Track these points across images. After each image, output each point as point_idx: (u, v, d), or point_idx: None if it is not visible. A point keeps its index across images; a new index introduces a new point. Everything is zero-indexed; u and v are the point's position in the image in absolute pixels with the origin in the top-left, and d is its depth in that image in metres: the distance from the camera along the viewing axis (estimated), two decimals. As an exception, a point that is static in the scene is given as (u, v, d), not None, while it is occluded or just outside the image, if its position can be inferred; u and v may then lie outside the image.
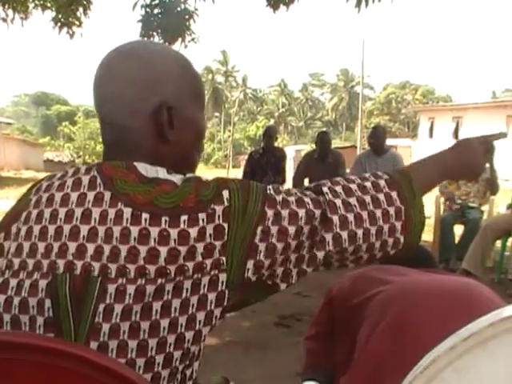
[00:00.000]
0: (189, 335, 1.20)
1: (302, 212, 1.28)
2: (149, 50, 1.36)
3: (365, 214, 1.33)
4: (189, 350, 1.21)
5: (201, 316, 1.20)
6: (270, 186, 1.32)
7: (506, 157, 22.34)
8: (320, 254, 1.30)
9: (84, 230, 1.20)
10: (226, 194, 1.24)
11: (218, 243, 1.20)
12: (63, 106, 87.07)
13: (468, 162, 1.57)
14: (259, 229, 1.23)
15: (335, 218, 1.30)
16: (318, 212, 1.29)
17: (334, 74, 79.50)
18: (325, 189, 1.34)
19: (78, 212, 1.22)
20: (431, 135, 32.40)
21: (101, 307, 1.16)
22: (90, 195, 1.23)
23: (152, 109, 1.32)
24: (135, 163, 1.27)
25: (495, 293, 1.78)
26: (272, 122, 68.87)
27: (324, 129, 60.92)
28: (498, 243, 7.05)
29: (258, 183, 1.32)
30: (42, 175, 28.62)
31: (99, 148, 48.51)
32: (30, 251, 1.23)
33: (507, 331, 1.11)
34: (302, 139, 64.38)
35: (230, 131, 64.65)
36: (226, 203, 1.23)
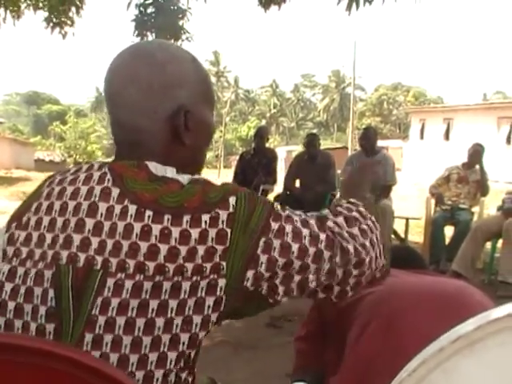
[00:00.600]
0: (184, 337, 1.20)
1: (305, 231, 1.29)
2: (164, 52, 1.37)
3: (367, 242, 1.36)
4: (183, 353, 1.21)
5: (197, 319, 1.21)
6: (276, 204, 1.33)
7: (496, 158, 22.46)
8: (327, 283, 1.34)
9: (90, 223, 1.23)
10: (232, 200, 1.24)
11: (219, 248, 1.20)
12: (54, 105, 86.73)
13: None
14: (262, 240, 1.24)
15: (350, 247, 1.32)
16: (323, 236, 1.31)
17: (326, 75, 79.39)
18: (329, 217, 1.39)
19: (85, 205, 1.25)
20: (422, 136, 32.42)
21: (99, 300, 1.18)
22: (98, 189, 1.26)
23: (169, 113, 1.34)
24: (147, 162, 1.29)
25: (485, 295, 1.78)
26: (263, 122, 68.87)
27: (315, 130, 61.10)
28: (488, 245, 7.08)
29: (264, 198, 1.33)
30: (32, 175, 28.57)
31: (90, 148, 48.45)
32: (38, 241, 1.26)
33: (495, 333, 1.11)
34: (294, 140, 64.41)
35: (221, 132, 64.60)
36: (231, 209, 1.23)
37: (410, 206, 12.82)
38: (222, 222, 1.21)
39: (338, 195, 8.15)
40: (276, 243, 1.25)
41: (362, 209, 1.43)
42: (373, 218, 1.43)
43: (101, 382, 1.04)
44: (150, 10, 8.89)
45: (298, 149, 12.38)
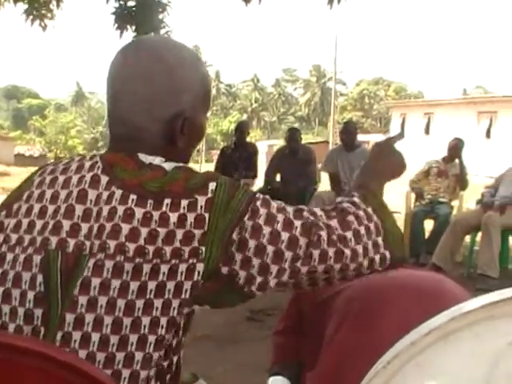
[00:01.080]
0: (163, 321, 1.22)
1: (285, 235, 1.29)
2: (176, 56, 1.39)
3: (349, 234, 1.36)
4: (163, 338, 1.22)
5: (176, 303, 1.22)
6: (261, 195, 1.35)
7: (476, 153, 22.59)
8: (304, 269, 1.32)
9: (79, 209, 1.27)
10: (212, 185, 1.27)
11: (197, 232, 1.23)
12: (34, 99, 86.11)
13: (385, 162, 1.63)
14: (239, 225, 1.26)
15: (323, 234, 1.32)
16: (303, 240, 1.30)
17: (307, 70, 79.21)
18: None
19: (75, 192, 1.29)
20: (403, 131, 32.56)
21: (79, 280, 1.21)
22: (88, 177, 1.30)
23: (170, 116, 1.37)
24: (138, 154, 1.33)
25: (463, 288, 1.79)
26: (245, 116, 68.82)
27: (296, 124, 61.10)
28: (468, 238, 7.13)
29: (247, 186, 1.36)
30: (12, 170, 28.37)
31: (71, 142, 48.20)
32: (28, 227, 1.29)
33: (468, 326, 1.12)
34: (275, 134, 64.33)
35: (203, 126, 64.26)
36: (209, 194, 1.26)
37: (390, 200, 12.84)
38: (201, 207, 1.24)
39: (318, 189, 8.21)
40: (252, 227, 1.26)
41: (366, 210, 1.43)
42: (375, 220, 1.42)
43: (73, 376, 1.04)
44: (131, 3, 8.85)
45: (280, 143, 12.40)
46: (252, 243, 1.26)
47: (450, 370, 1.17)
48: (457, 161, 7.71)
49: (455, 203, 7.84)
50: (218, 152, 9.49)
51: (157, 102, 1.36)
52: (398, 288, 1.76)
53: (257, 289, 1.30)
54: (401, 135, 1.81)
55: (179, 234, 1.22)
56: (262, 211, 1.29)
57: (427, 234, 7.49)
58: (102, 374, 1.13)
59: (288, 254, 1.29)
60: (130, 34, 8.72)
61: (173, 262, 1.21)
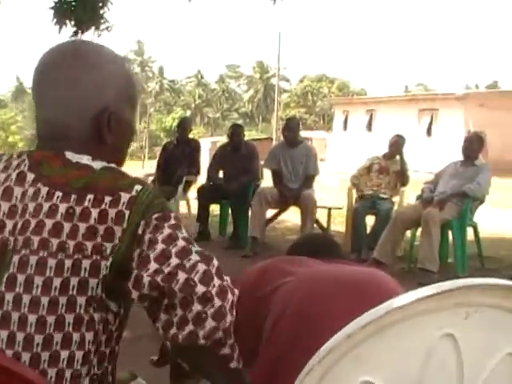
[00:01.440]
0: (87, 317, 1.23)
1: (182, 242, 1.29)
2: (96, 53, 1.41)
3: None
4: (84, 336, 1.23)
5: (97, 298, 1.24)
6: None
7: (417, 149, 22.97)
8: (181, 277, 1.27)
9: (5, 206, 1.28)
10: (138, 187, 1.29)
11: (117, 228, 1.24)
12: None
13: None
14: (146, 225, 1.27)
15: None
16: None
17: (251, 66, 79.19)
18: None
19: (1, 189, 1.30)
20: (345, 128, 32.87)
21: (5, 277, 1.21)
22: (14, 175, 1.31)
23: (94, 112, 1.38)
24: (65, 152, 1.33)
25: (405, 281, 1.81)
26: (188, 113, 68.49)
27: (240, 121, 61.11)
28: (409, 233, 7.23)
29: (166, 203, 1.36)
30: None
31: (11, 139, 47.28)
32: None
33: (403, 320, 1.13)
34: (219, 131, 64.23)
35: (145, 122, 63.98)
36: (133, 193, 1.27)
37: (333, 196, 12.98)
38: (123, 203, 1.26)
39: (261, 185, 8.22)
40: (151, 236, 1.26)
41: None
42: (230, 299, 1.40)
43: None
44: (70, -3, 8.68)
45: (223, 140, 12.40)
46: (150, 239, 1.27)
47: (385, 365, 1.18)
48: (398, 157, 7.81)
49: (396, 199, 7.93)
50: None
51: (80, 100, 1.37)
52: (335, 283, 1.76)
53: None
54: None
55: (101, 230, 1.22)
56: (166, 230, 1.28)
57: (369, 230, 7.56)
58: (39, 378, 1.13)
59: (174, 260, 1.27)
60: (69, 30, 8.57)
61: (94, 257, 1.21)
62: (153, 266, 1.24)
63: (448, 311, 1.16)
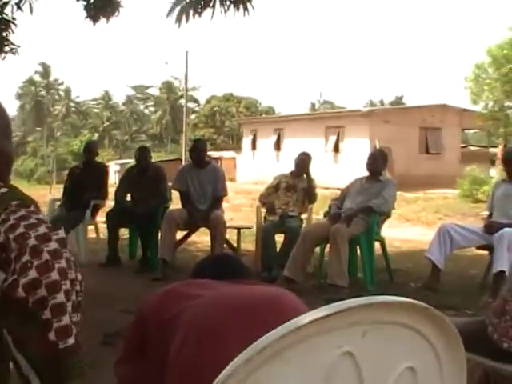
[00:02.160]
0: None
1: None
2: None
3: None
4: None
5: None
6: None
7: (325, 166, 23.41)
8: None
9: None
10: (3, 190, 1.42)
11: None
12: None
13: None
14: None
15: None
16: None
17: (158, 87, 78.48)
18: None
19: None
20: (254, 147, 33.13)
21: None
22: None
23: None
24: None
25: (315, 298, 1.83)
26: (96, 136, 67.47)
27: (149, 143, 60.62)
28: (318, 250, 7.29)
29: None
30: None
31: None
32: None
33: (300, 341, 1.13)
34: (128, 153, 63.31)
35: (53, 146, 62.58)
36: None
37: (244, 215, 13.02)
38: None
39: (170, 207, 8.16)
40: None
41: None
42: None
43: None
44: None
45: (132, 162, 12.30)
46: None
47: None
48: (304, 176, 7.89)
49: (305, 216, 7.99)
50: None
51: None
52: (237, 306, 1.76)
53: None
54: None
55: None
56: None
57: (279, 248, 7.58)
58: None
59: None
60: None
61: None
62: None
63: (345, 330, 1.17)
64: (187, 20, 7.64)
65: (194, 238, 8.81)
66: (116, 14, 8.68)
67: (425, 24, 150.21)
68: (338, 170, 24.82)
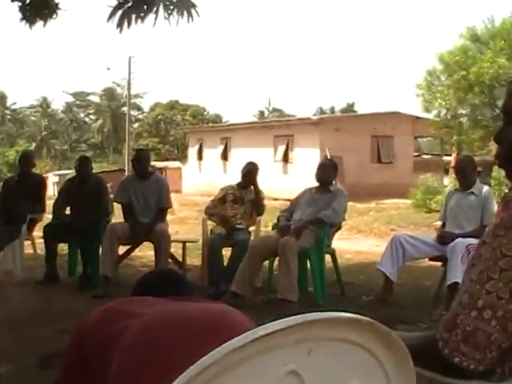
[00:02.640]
0: None
1: None
2: None
3: None
4: None
5: None
6: None
7: (274, 177, 23.30)
8: None
9: None
10: None
11: None
12: None
13: None
14: None
15: None
16: None
17: (99, 94, 77.38)
18: None
19: None
20: (200, 157, 32.86)
21: None
22: None
23: None
24: None
25: (264, 313, 1.71)
26: (34, 145, 66.13)
27: (90, 152, 59.84)
28: (267, 263, 7.10)
29: None
30: None
31: None
32: None
33: (244, 360, 1.10)
34: (68, 163, 62.19)
35: (-14, 157, 61.15)
36: None
37: (190, 228, 12.76)
38: None
39: (112, 220, 7.86)
40: None
41: None
42: None
43: None
44: None
45: (72, 173, 11.98)
46: None
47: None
48: (252, 187, 7.68)
49: (253, 228, 7.80)
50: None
51: None
52: (183, 322, 1.74)
53: None
54: None
55: None
56: None
57: (226, 262, 7.36)
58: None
59: None
60: None
61: None
62: None
63: (290, 348, 1.16)
64: (129, 25, 7.51)
65: (137, 252, 8.53)
66: (54, 16, 8.43)
67: (376, 30, 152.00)
68: (288, 180, 24.75)
